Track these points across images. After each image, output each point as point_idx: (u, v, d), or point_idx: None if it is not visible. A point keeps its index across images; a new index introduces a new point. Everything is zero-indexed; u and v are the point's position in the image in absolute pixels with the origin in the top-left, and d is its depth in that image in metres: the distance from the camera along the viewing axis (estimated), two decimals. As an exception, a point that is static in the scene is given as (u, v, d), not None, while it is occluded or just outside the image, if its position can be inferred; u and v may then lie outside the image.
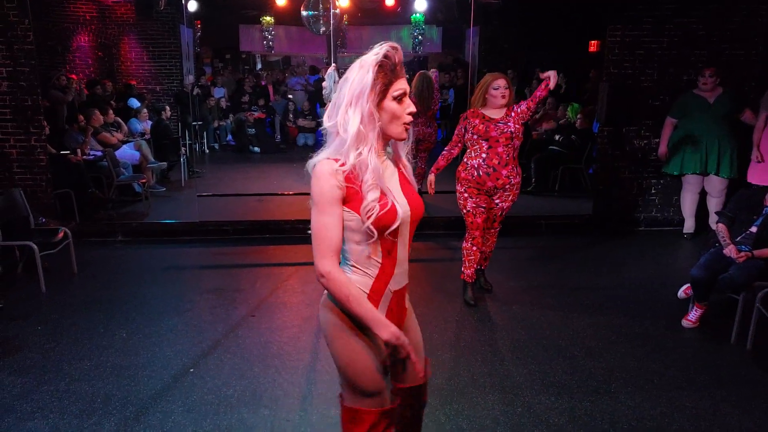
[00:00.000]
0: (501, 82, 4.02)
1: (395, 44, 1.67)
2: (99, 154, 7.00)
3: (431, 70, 7.90)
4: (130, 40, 9.63)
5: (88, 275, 4.93)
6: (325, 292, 1.75)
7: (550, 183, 7.47)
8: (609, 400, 3.10)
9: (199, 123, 10.22)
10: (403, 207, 1.71)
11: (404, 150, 1.82)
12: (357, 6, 10.27)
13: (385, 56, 1.64)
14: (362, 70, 1.65)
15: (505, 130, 3.98)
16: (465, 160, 4.12)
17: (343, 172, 1.63)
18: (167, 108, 8.91)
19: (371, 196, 1.64)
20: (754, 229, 3.88)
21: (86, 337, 3.78)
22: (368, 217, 1.63)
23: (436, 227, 6.17)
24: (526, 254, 5.54)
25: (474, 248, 4.24)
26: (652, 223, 6.40)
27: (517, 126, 3.98)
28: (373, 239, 1.67)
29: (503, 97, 4.01)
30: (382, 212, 1.64)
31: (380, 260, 1.73)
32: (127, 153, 7.59)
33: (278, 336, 3.79)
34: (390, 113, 1.68)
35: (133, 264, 5.24)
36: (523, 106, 4.00)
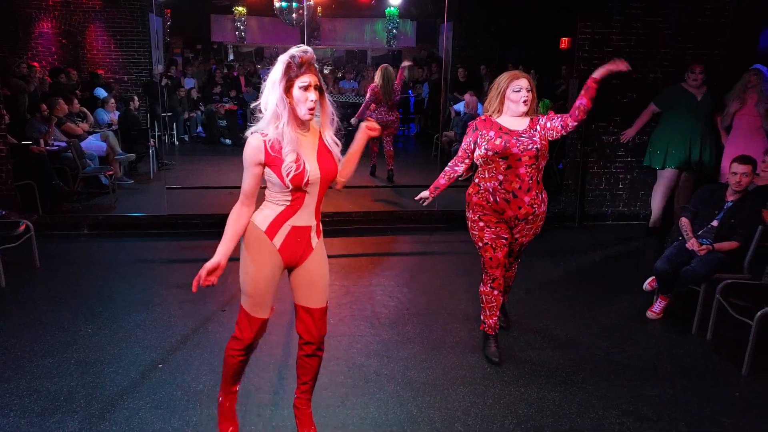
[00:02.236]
0: (523, 83, 3.14)
1: (307, 48, 2.22)
2: (63, 144, 6.80)
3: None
4: (96, 27, 9.37)
5: (52, 269, 4.80)
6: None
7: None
8: (577, 390, 3.16)
9: (169, 114, 10.03)
10: (313, 170, 2.28)
11: (330, 129, 2.37)
12: (331, -2, 10.20)
13: (292, 56, 2.19)
14: (277, 65, 2.22)
15: (530, 147, 3.11)
16: (476, 180, 3.30)
17: (268, 141, 2.22)
18: (135, 98, 8.71)
19: (289, 159, 2.21)
20: (715, 223, 4.00)
21: (49, 333, 3.69)
22: (287, 174, 2.21)
23: (407, 221, 6.19)
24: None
25: (495, 292, 3.35)
26: (620, 217, 6.53)
27: (543, 143, 3.15)
28: (286, 190, 2.27)
29: (525, 102, 3.14)
30: (296, 172, 2.22)
31: (288, 203, 2.31)
32: (93, 144, 7.40)
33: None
34: (296, 99, 2.21)
35: (99, 258, 5.13)
36: (557, 122, 3.10)
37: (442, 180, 3.43)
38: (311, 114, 2.25)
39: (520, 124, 3.19)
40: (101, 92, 8.87)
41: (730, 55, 6.22)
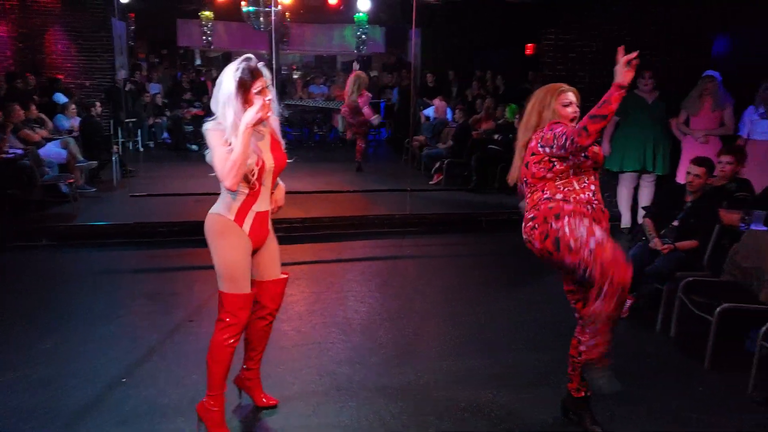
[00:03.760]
0: (572, 96, 2.68)
1: (250, 56, 2.45)
2: (19, 152, 6.57)
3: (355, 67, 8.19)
4: (55, 31, 9.10)
5: (9, 282, 4.63)
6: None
7: (490, 181, 7.63)
8: (548, 391, 3.18)
9: (133, 120, 9.83)
10: (269, 161, 2.55)
11: (276, 120, 2.64)
12: (300, 3, 10.15)
13: (243, 69, 2.40)
14: (228, 79, 2.42)
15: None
16: (560, 196, 2.60)
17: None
18: (97, 104, 8.49)
19: (250, 161, 2.42)
20: (676, 223, 4.12)
21: (7, 348, 3.54)
22: (252, 174, 2.46)
23: (379, 225, 6.19)
24: (468, 251, 5.62)
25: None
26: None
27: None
28: (246, 177, 2.47)
29: (575, 119, 2.66)
30: (257, 168, 2.47)
31: (248, 191, 2.53)
32: (53, 151, 7.17)
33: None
34: (255, 103, 2.41)
35: (60, 269, 4.97)
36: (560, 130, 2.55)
37: None
38: (269, 113, 2.47)
39: None
40: (61, 98, 8.63)
41: (684, 60, 6.43)
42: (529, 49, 9.62)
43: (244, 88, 2.41)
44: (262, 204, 2.61)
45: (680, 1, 6.25)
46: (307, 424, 2.86)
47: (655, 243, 4.00)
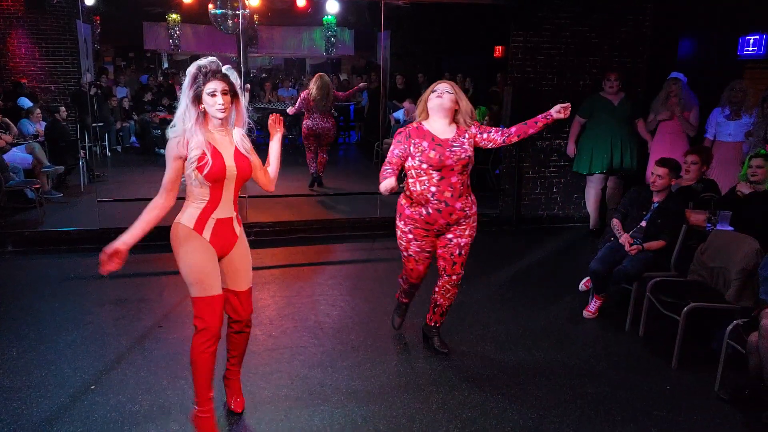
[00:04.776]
0: (442, 85, 3.32)
1: (213, 59, 2.51)
2: (-17, 157, 6.42)
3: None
4: (18, 35, 8.88)
5: (-27, 290, 4.51)
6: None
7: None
8: (518, 391, 3.23)
9: (100, 124, 9.64)
10: (230, 168, 2.54)
11: (241, 129, 2.65)
12: (268, 6, 10.08)
13: (199, 67, 2.48)
14: (187, 76, 2.49)
15: (462, 156, 3.21)
16: (407, 192, 3.33)
17: (183, 141, 2.47)
18: (62, 108, 8.31)
19: (193, 154, 2.46)
20: (644, 223, 4.17)
21: (-30, 358, 3.46)
22: (191, 165, 2.46)
23: (349, 229, 6.19)
24: (439, 253, 5.65)
25: (411, 289, 3.67)
26: (555, 220, 6.75)
27: (472, 150, 3.28)
28: (205, 186, 2.53)
29: (440, 96, 3.27)
30: (209, 168, 2.47)
31: (207, 198, 2.56)
32: (18, 156, 7.01)
33: (188, 347, 3.62)
34: (206, 104, 2.50)
35: (25, 276, 4.86)
36: (497, 136, 3.29)
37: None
38: (221, 114, 2.52)
39: (449, 131, 3.28)
40: (26, 102, 8.42)
41: (651, 62, 6.58)
42: (498, 51, 9.73)
43: (197, 83, 2.47)
44: (224, 211, 2.61)
45: (647, 2, 6.40)
46: (278, 429, 2.86)
47: (625, 239, 4.08)
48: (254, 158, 2.73)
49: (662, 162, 4.12)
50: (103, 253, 2.42)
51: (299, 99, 7.31)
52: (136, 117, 10.74)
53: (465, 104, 3.30)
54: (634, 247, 4.01)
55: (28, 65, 9.06)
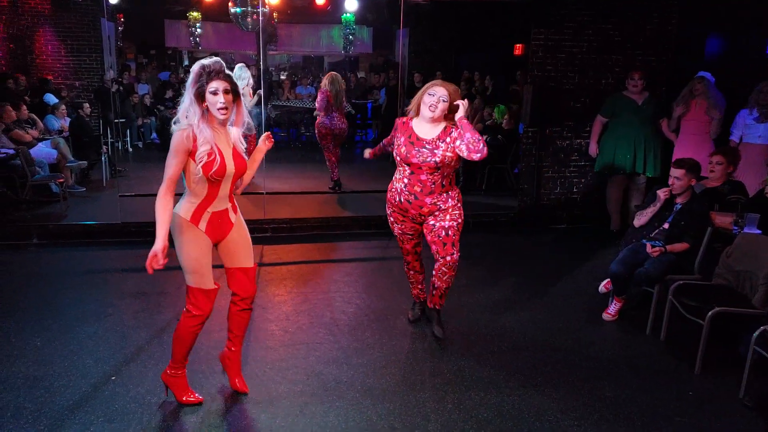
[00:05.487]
0: (438, 90, 3.33)
1: (217, 59, 2.62)
2: (11, 152, 6.55)
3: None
4: (45, 32, 9.07)
5: (-2, 281, 4.61)
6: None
7: (477, 182, 7.65)
8: (535, 393, 3.20)
9: (122, 120, 9.78)
10: (229, 166, 2.68)
11: (240, 129, 2.78)
12: (287, 4, 10.13)
13: (203, 66, 2.58)
14: (191, 74, 2.61)
15: (428, 159, 3.30)
16: (393, 179, 3.59)
17: (191, 134, 2.59)
18: (86, 105, 8.45)
19: (203, 149, 2.59)
20: (666, 225, 4.10)
21: (-5, 347, 3.53)
22: (200, 162, 2.59)
23: (365, 227, 6.20)
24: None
25: (411, 272, 3.90)
26: (574, 221, 6.67)
27: (447, 154, 3.31)
28: (204, 182, 2.66)
29: (431, 108, 3.31)
30: (217, 167, 2.61)
31: (204, 194, 2.71)
32: (43, 151, 7.15)
33: (205, 339, 3.66)
34: (209, 102, 2.61)
35: (49, 268, 4.94)
36: (462, 148, 3.30)
37: (377, 150, 3.92)
38: (222, 114, 2.63)
39: (432, 131, 3.37)
40: (51, 98, 8.59)
41: (676, 61, 6.46)
42: (518, 49, 9.64)
43: (200, 82, 2.58)
44: (220, 204, 2.77)
45: (672, 1, 6.29)
46: (294, 423, 2.87)
47: (660, 198, 4.06)
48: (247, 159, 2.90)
49: (678, 163, 4.01)
50: (152, 255, 2.57)
51: (319, 98, 7.28)
52: (157, 113, 10.86)
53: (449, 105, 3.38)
54: (657, 248, 3.94)
55: (54, 62, 9.25)
